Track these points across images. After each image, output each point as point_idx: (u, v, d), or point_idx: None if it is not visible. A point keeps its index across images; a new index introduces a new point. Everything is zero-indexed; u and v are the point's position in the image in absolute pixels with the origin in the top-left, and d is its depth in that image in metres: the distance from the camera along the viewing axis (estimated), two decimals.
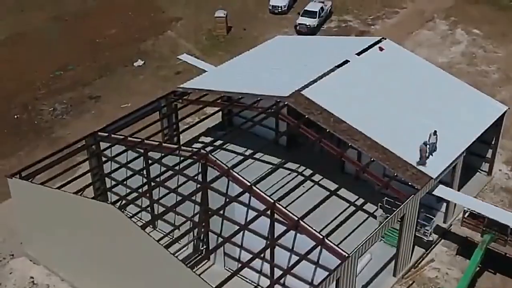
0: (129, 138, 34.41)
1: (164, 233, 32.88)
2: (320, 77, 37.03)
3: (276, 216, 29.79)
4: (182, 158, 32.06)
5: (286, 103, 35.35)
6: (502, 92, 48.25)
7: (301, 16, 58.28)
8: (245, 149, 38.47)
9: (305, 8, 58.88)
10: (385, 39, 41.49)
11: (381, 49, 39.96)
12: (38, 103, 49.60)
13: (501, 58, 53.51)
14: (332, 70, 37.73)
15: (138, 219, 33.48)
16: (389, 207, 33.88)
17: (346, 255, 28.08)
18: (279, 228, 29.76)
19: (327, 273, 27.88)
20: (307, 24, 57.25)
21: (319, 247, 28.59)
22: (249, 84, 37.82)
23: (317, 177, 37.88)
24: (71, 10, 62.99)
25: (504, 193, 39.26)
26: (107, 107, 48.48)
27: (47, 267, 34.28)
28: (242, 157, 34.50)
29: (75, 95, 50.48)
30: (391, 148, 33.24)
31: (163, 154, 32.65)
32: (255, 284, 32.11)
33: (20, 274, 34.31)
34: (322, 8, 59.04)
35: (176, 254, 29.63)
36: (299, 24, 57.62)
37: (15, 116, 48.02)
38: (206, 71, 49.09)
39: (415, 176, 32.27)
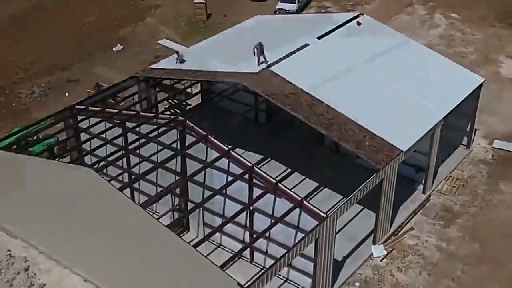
0: (106, 109, 34.16)
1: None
2: (291, 53, 36.26)
3: (254, 180, 29.65)
4: (159, 126, 31.82)
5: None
6: (480, 71, 48.09)
7: (281, 1, 58.25)
8: (224, 120, 38.33)
9: None
10: (362, 14, 41.62)
11: (359, 23, 40.05)
12: (15, 87, 49.14)
13: (479, 40, 53.85)
14: (306, 45, 37.31)
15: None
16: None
17: (325, 215, 27.99)
18: (257, 193, 29.62)
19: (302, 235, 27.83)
20: (287, 9, 57.21)
21: (298, 209, 28.47)
22: (219, 63, 36.81)
23: (297, 149, 37.85)
24: None
25: (482, 165, 39.44)
26: (85, 90, 48.11)
27: (24, 240, 33.84)
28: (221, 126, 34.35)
29: (53, 79, 50.09)
30: (364, 122, 32.69)
31: (140, 123, 32.41)
32: (228, 250, 31.87)
33: None
34: None
35: None
36: (279, 9, 57.58)
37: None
38: None
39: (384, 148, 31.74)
